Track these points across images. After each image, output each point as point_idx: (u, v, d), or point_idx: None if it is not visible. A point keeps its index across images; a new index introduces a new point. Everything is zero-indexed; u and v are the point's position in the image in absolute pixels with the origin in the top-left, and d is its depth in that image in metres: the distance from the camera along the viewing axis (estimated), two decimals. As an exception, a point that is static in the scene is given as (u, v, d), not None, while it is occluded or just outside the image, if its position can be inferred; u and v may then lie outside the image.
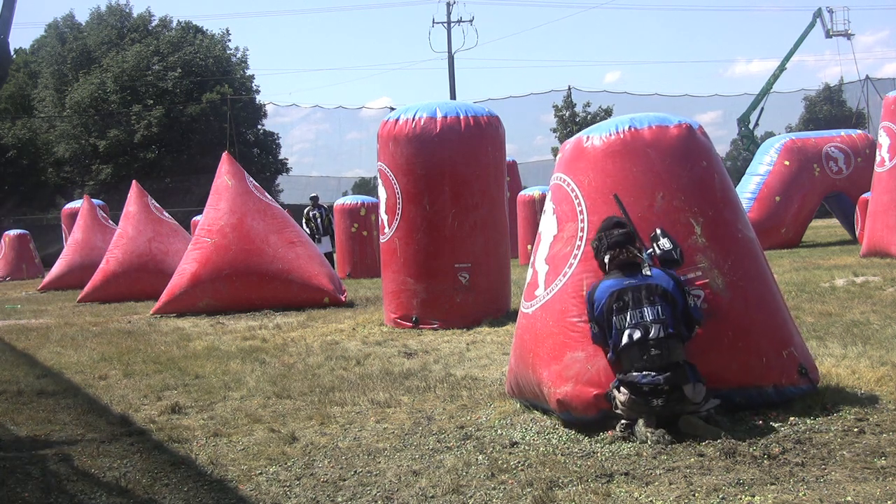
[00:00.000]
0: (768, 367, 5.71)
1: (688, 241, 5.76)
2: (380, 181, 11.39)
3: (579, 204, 6.02)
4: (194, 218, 24.90)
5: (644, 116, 6.17)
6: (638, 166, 5.95)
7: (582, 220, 5.97)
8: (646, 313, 5.36)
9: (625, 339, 5.37)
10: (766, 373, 5.69)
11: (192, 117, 47.73)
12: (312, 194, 23.94)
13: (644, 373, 5.27)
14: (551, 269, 6.03)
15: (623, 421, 5.34)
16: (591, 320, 5.55)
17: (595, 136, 6.15)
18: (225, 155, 15.37)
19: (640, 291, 5.41)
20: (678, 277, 5.53)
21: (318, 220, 22.70)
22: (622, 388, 5.32)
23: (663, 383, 5.23)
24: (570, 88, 52.64)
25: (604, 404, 5.41)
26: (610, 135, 6.08)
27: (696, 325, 5.50)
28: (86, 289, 17.92)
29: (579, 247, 5.89)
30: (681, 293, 5.45)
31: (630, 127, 6.07)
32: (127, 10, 53.27)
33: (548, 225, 6.25)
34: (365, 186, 52.60)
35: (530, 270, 6.34)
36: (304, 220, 21.31)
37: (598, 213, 5.91)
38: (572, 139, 6.41)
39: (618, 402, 5.34)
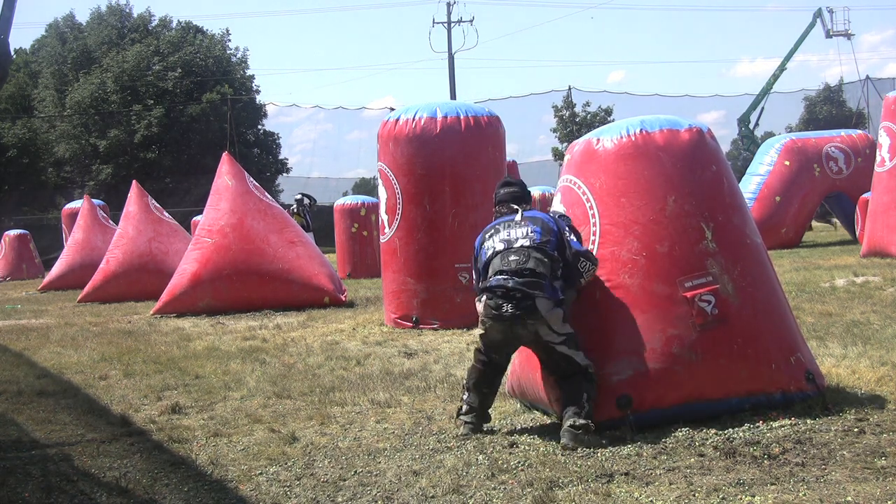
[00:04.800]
0: (777, 373, 5.70)
1: (699, 245, 5.73)
2: (380, 181, 11.39)
3: (591, 207, 5.98)
4: (194, 218, 24.91)
5: (655, 119, 6.12)
6: (650, 170, 5.91)
7: (594, 224, 5.92)
8: (514, 233, 5.68)
9: (489, 254, 5.71)
10: (775, 379, 5.69)
11: (193, 117, 47.73)
12: (297, 196, 24.21)
13: (498, 276, 5.51)
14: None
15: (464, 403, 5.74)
16: (473, 268, 5.94)
17: (606, 139, 6.10)
18: (225, 155, 15.37)
19: (516, 223, 5.75)
20: (560, 218, 5.82)
21: (307, 216, 22.92)
22: (481, 298, 5.60)
23: (511, 287, 5.40)
24: (570, 88, 52.68)
25: (614, 412, 5.41)
26: (621, 137, 6.03)
27: (580, 259, 5.62)
28: (86, 289, 17.92)
29: (591, 250, 5.85)
30: (558, 227, 5.68)
31: (641, 130, 6.02)
32: (127, 10, 53.29)
33: None
34: (365, 186, 52.64)
35: None
36: None
37: (610, 216, 5.87)
38: (581, 141, 6.36)
39: (479, 315, 5.63)
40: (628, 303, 5.64)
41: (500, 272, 5.55)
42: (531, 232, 5.64)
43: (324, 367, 8.49)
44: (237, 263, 13.90)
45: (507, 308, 5.42)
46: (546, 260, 5.51)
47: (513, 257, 5.55)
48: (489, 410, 5.87)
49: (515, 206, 5.94)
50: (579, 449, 5.13)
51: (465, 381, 5.89)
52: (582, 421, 5.21)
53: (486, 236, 5.88)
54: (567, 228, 5.74)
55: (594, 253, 5.78)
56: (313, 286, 13.87)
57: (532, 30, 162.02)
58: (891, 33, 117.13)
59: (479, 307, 5.63)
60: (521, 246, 5.59)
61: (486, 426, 5.81)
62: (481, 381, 5.76)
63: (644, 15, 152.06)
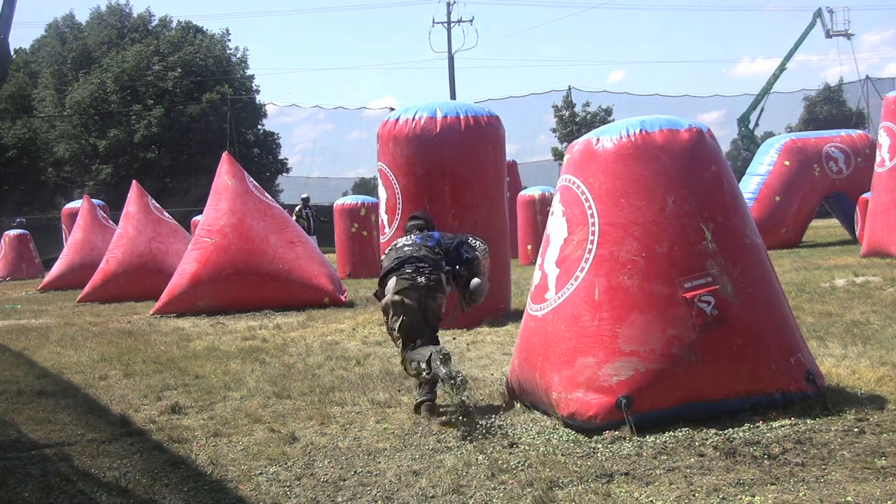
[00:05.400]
0: (777, 373, 5.70)
1: (698, 246, 5.72)
2: (380, 181, 11.39)
3: (590, 207, 5.97)
4: (194, 218, 24.91)
5: (655, 119, 6.10)
6: (649, 170, 5.88)
7: (593, 224, 5.92)
8: (401, 241, 6.78)
9: (385, 262, 6.68)
10: (775, 379, 5.68)
11: (192, 117, 47.71)
12: (304, 195, 24.32)
13: (398, 259, 6.51)
14: (562, 272, 5.99)
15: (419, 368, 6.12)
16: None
17: (605, 139, 6.08)
18: (225, 155, 15.37)
19: (406, 238, 6.82)
20: (446, 237, 6.88)
21: (311, 220, 22.97)
22: (388, 283, 6.46)
23: (420, 265, 6.41)
24: (569, 88, 52.73)
25: (616, 415, 5.40)
26: (621, 137, 6.00)
27: (463, 244, 6.74)
28: (86, 289, 17.92)
29: (590, 250, 5.84)
30: (438, 234, 6.85)
31: (641, 130, 5.99)
32: (127, 10, 53.27)
33: (557, 227, 6.20)
34: (365, 186, 52.65)
35: (538, 272, 6.29)
36: (294, 218, 21.49)
37: (609, 217, 5.85)
38: (581, 141, 6.34)
39: (387, 304, 6.44)
40: (627, 304, 5.64)
41: (399, 258, 6.55)
42: (415, 238, 6.75)
43: (324, 367, 8.49)
44: (237, 263, 13.90)
45: (422, 280, 6.37)
46: (432, 253, 6.58)
47: (408, 249, 6.62)
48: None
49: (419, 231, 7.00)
50: (579, 449, 5.13)
51: (416, 367, 6.19)
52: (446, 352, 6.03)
53: (388, 250, 6.88)
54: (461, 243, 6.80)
55: (593, 253, 5.80)
56: (313, 286, 13.87)
57: (532, 30, 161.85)
58: (891, 33, 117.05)
59: (387, 292, 6.46)
60: (409, 244, 6.68)
61: (480, 423, 5.81)
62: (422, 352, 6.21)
63: (644, 15, 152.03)
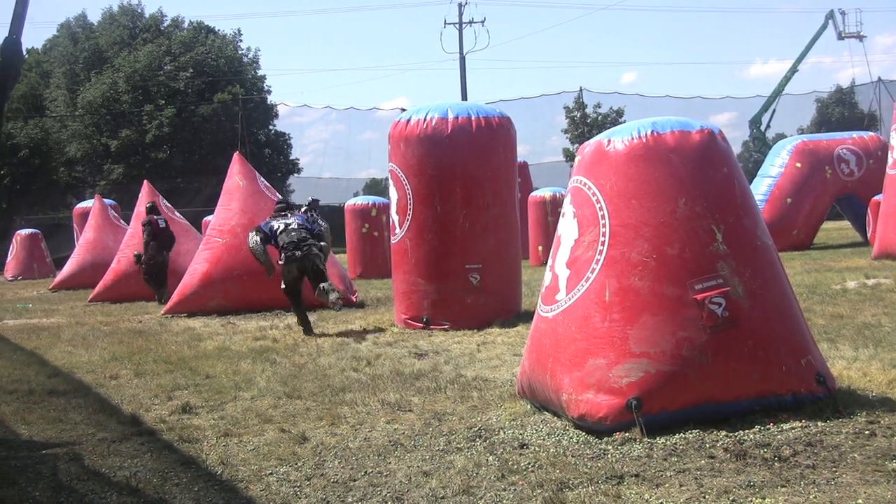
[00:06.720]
0: (787, 375, 5.67)
1: (709, 248, 5.70)
2: (391, 182, 11.40)
3: (601, 208, 5.95)
4: (205, 218, 24.96)
5: (666, 121, 6.08)
6: (661, 171, 5.86)
7: (604, 225, 5.90)
8: (288, 219, 11.26)
9: (275, 227, 11.17)
10: (785, 381, 5.66)
11: (204, 117, 47.86)
12: (309, 199, 24.44)
13: (290, 241, 10.93)
14: (573, 273, 5.97)
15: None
16: (259, 233, 11.24)
17: (617, 140, 6.06)
18: (236, 155, 15.41)
19: (289, 216, 11.39)
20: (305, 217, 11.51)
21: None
22: (282, 255, 11.02)
23: (298, 242, 10.86)
24: (581, 89, 52.70)
25: (626, 416, 5.39)
26: (632, 139, 5.98)
27: (316, 223, 11.45)
28: (97, 288, 17.98)
29: (601, 252, 5.83)
30: (308, 216, 11.49)
31: (653, 131, 5.96)
32: (139, 11, 53.50)
33: (568, 228, 6.19)
34: (376, 187, 52.75)
35: (549, 273, 6.28)
36: None
37: (621, 218, 5.83)
38: (592, 142, 6.33)
39: (284, 269, 11.05)
40: (638, 305, 5.63)
41: (291, 241, 10.88)
42: (298, 221, 11.21)
43: (334, 368, 8.50)
44: (248, 263, 13.86)
45: (297, 254, 10.83)
46: (309, 231, 11.07)
47: (293, 233, 11.00)
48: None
49: (285, 212, 11.46)
50: (589, 450, 5.13)
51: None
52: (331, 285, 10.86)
53: (271, 220, 11.43)
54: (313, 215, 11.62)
55: (603, 254, 5.80)
56: (323, 286, 13.86)
57: (543, 31, 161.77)
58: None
59: (281, 262, 10.99)
60: (294, 227, 11.05)
61: (496, 427, 5.80)
62: (296, 302, 11.23)
63: (656, 16, 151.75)
